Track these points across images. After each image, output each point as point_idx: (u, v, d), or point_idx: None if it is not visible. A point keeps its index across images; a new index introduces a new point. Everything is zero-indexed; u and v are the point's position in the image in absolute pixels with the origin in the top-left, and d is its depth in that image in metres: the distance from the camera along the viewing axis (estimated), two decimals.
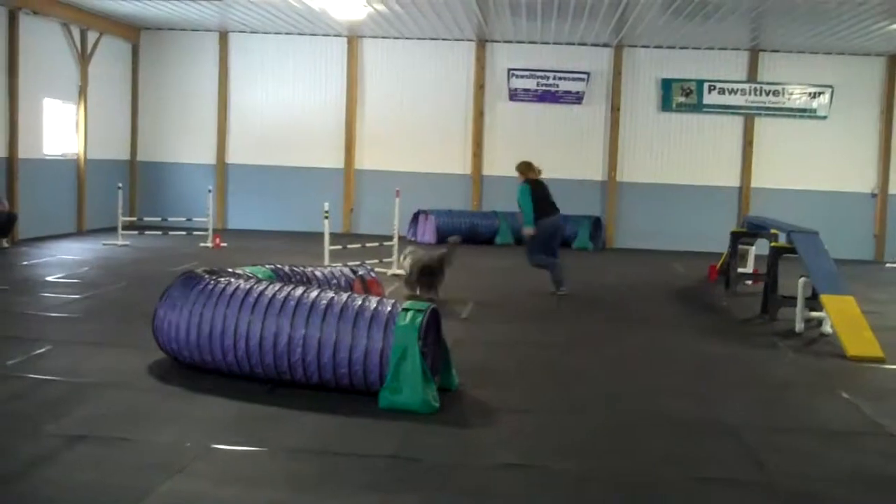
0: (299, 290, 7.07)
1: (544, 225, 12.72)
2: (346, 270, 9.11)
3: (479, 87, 20.48)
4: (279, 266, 8.65)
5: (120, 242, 16.70)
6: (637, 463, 5.82)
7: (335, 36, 20.50)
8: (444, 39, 20.34)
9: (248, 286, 7.18)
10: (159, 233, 18.29)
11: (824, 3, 14.70)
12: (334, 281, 8.73)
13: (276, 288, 7.13)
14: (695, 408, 7.23)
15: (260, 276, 7.99)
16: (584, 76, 20.24)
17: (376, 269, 11.44)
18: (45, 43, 17.57)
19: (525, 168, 13.09)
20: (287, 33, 20.49)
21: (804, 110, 20.05)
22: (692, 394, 7.68)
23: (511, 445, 6.05)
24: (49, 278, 12.48)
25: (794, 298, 10.80)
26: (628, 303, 12.70)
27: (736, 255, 14.15)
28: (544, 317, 11.13)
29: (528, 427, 6.48)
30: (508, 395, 7.27)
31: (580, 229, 19.54)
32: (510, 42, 20.34)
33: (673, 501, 5.22)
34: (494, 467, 5.59)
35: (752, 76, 20.09)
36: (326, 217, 13.29)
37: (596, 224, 19.93)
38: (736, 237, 14.23)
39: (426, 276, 11.61)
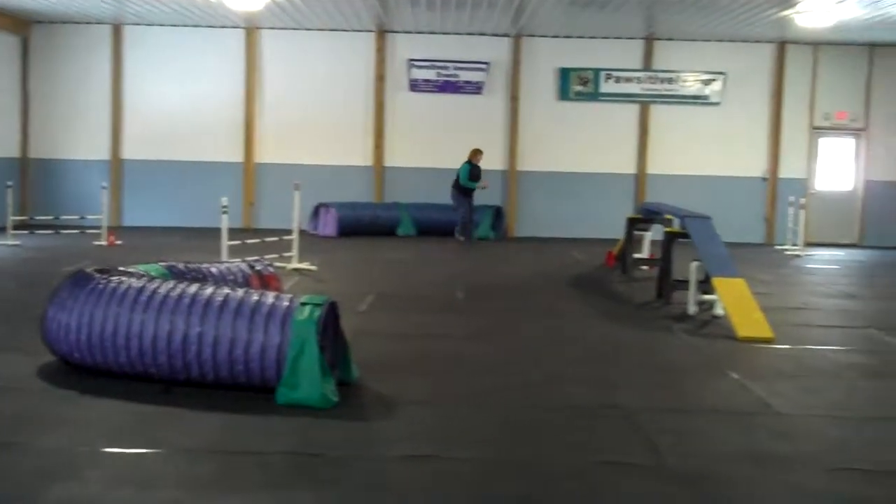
0: (193, 288, 6.96)
1: None
2: (244, 266, 8.99)
3: (380, 77, 20.42)
4: (173, 263, 8.49)
5: (10, 242, 16.18)
6: (537, 450, 5.89)
7: (233, 27, 20.19)
8: (343, 30, 20.20)
9: (140, 284, 7.04)
10: (52, 232, 17.80)
11: None
12: (231, 277, 8.61)
13: (170, 286, 7.00)
14: (594, 393, 7.36)
15: (153, 273, 7.83)
16: (485, 66, 20.35)
17: (276, 264, 11.37)
18: None
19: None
20: (183, 25, 20.09)
21: (697, 97, 20.54)
22: (591, 379, 7.80)
23: (411, 437, 6.07)
24: None
25: (688, 282, 11.07)
26: (528, 291, 12.84)
27: (632, 241, 14.44)
28: (446, 308, 11.17)
29: (429, 418, 6.50)
30: (409, 387, 7.28)
31: (482, 219, 19.69)
32: (410, 32, 20.32)
33: (572, 487, 5.29)
34: (394, 459, 5.60)
35: (647, 64, 20.48)
36: (224, 212, 13.10)
37: (497, 214, 20.10)
38: (632, 223, 14.51)
39: None
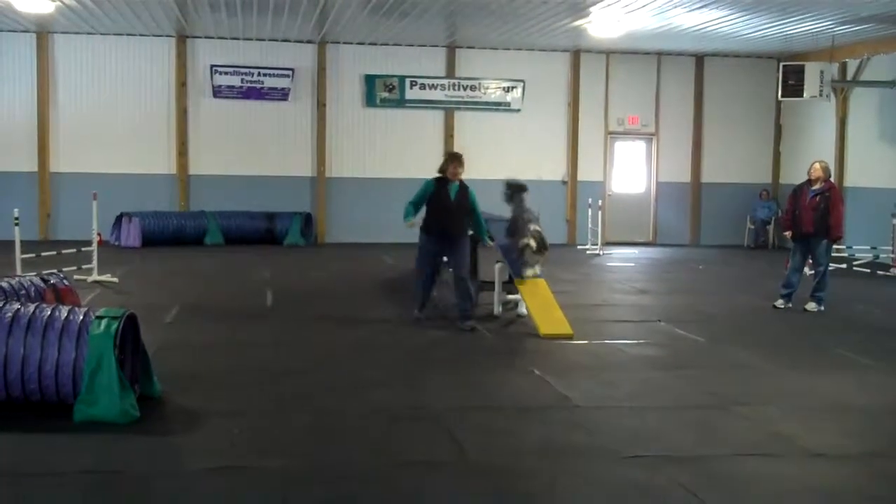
0: None
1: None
2: (37, 280, 8.60)
3: (182, 84, 19.93)
4: None
5: None
6: (343, 455, 5.94)
7: (23, 31, 19.24)
8: (141, 35, 19.61)
9: None
10: None
11: (512, 0, 15.51)
12: (23, 292, 8.20)
13: None
14: (401, 395, 7.49)
15: None
16: (290, 72, 20.22)
17: (75, 277, 10.95)
18: None
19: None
20: None
21: (499, 104, 21.10)
22: (399, 382, 7.93)
23: (215, 449, 5.99)
24: None
25: (493, 283, 11.38)
26: (338, 297, 12.88)
27: None
28: (253, 317, 11.03)
29: (235, 429, 6.42)
30: (214, 399, 7.18)
31: (291, 226, 19.58)
32: (212, 38, 19.93)
33: (376, 489, 5.38)
34: (198, 473, 5.52)
35: (450, 72, 20.88)
36: (17, 223, 12.49)
37: (307, 220, 20.02)
38: None
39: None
